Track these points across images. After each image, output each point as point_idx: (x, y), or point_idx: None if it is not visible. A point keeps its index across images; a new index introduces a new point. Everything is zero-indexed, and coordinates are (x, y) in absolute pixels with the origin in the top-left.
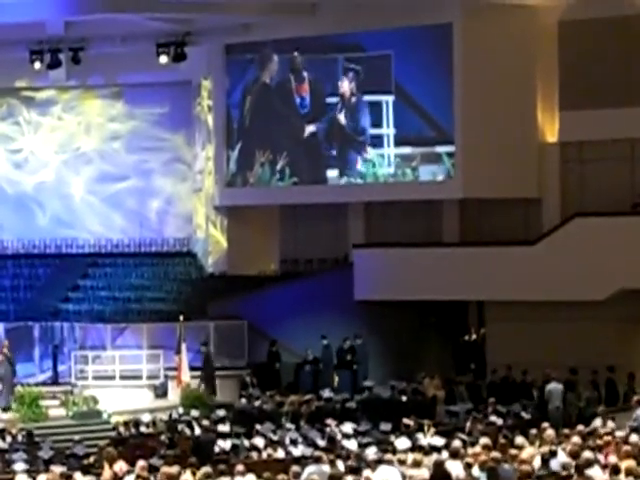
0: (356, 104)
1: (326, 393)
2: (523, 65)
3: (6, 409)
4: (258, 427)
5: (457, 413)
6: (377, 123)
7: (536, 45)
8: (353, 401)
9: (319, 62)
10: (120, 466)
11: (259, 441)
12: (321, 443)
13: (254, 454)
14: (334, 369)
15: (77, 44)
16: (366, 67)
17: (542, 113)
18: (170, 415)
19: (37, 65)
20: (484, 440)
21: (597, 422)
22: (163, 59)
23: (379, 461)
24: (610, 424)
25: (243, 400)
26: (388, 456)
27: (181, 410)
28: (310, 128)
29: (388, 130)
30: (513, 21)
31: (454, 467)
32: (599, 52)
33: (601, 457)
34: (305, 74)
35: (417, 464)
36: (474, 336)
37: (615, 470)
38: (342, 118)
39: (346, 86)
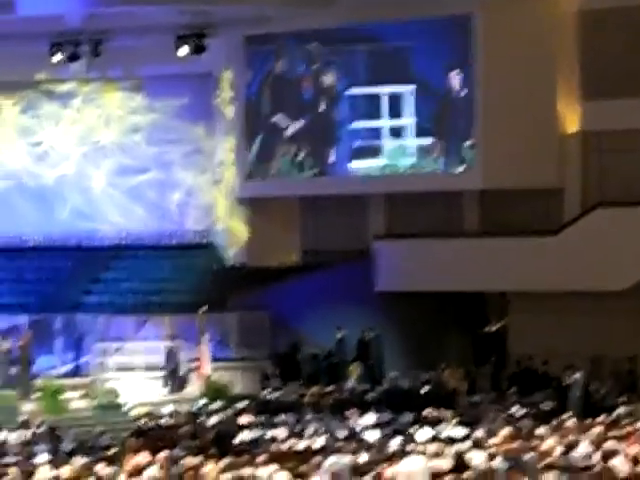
0: (336, 97)
1: (348, 384)
2: (543, 55)
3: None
4: (279, 418)
5: (478, 404)
6: (397, 114)
7: (556, 35)
8: (374, 392)
9: (332, 54)
10: (142, 457)
11: (280, 432)
12: (342, 434)
13: (275, 445)
14: (352, 361)
15: (97, 36)
16: (386, 58)
17: (563, 103)
18: (191, 407)
19: (57, 58)
20: (505, 431)
21: (621, 411)
22: (183, 51)
23: (402, 452)
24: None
25: (265, 391)
26: (410, 447)
27: (202, 401)
28: (294, 124)
29: (409, 121)
30: (533, 11)
31: (475, 458)
32: (619, 41)
33: (623, 447)
34: (313, 67)
35: (438, 455)
36: (495, 327)
37: (636, 461)
38: (321, 111)
39: (328, 79)
